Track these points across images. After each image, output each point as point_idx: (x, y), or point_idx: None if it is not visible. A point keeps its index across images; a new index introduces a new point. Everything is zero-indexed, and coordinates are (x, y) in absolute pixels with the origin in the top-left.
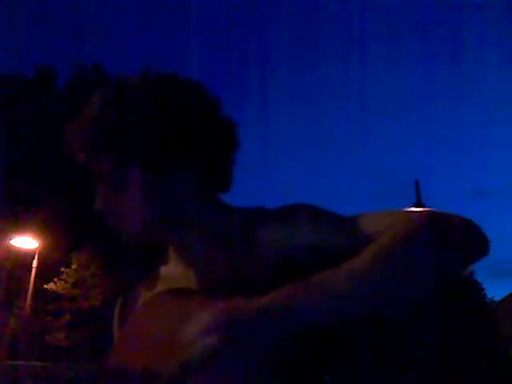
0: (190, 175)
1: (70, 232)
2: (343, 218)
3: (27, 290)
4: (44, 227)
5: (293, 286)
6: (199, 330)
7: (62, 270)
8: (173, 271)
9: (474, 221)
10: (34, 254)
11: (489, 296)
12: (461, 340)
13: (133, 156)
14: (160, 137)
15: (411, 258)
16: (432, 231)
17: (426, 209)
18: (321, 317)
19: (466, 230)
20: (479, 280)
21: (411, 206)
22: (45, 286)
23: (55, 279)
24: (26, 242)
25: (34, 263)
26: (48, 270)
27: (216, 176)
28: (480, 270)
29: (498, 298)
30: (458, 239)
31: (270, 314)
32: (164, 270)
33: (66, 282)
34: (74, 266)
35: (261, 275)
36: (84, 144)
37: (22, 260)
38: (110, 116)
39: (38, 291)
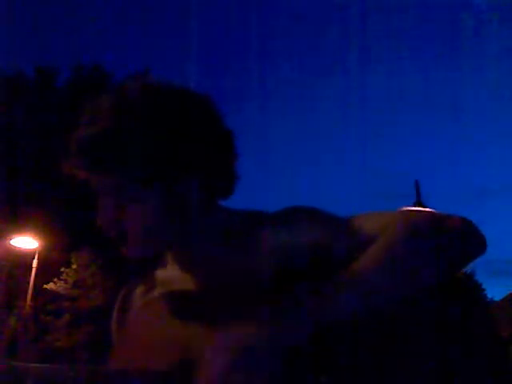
0: (192, 185)
1: (70, 232)
2: (342, 219)
3: (27, 289)
4: (44, 227)
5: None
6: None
7: (62, 270)
8: (171, 274)
9: (473, 220)
10: (34, 254)
11: (489, 296)
12: (460, 340)
13: (135, 170)
14: (162, 150)
15: (409, 259)
16: (430, 231)
17: (424, 209)
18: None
19: (464, 229)
20: (479, 280)
21: (411, 206)
22: (45, 285)
23: (55, 279)
24: (26, 242)
25: (34, 263)
26: (48, 270)
27: (218, 185)
28: (480, 270)
29: (498, 298)
30: (456, 239)
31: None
32: (162, 274)
33: (65, 282)
34: (74, 266)
35: (261, 278)
36: (85, 162)
37: (21, 260)
38: (111, 133)
39: (38, 291)
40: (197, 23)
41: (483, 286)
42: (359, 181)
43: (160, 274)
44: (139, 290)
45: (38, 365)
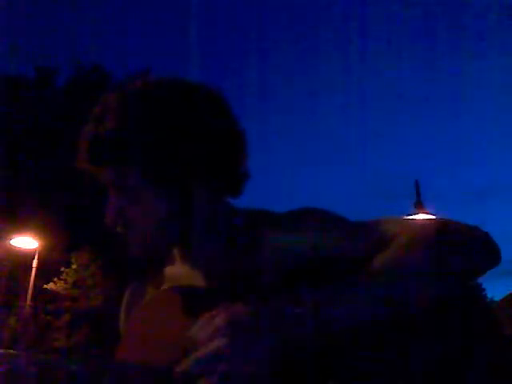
0: (196, 185)
1: (70, 232)
2: (351, 223)
3: (27, 289)
4: (44, 227)
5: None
6: (209, 333)
7: (62, 270)
8: (178, 271)
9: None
10: (34, 254)
11: (489, 296)
12: (460, 340)
13: (138, 170)
14: (164, 150)
15: (417, 269)
16: (440, 242)
17: (437, 218)
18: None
19: (480, 241)
20: (479, 280)
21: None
22: (45, 286)
23: (55, 279)
24: (26, 242)
25: (34, 263)
26: (48, 270)
27: (223, 184)
28: None
29: (498, 298)
30: (467, 250)
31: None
32: (170, 270)
33: (65, 282)
34: (73, 266)
35: (264, 277)
36: (91, 157)
37: (21, 260)
38: (115, 130)
39: (38, 291)
40: (197, 23)
41: (483, 286)
42: (359, 181)
43: (168, 270)
44: (148, 285)
45: (43, 355)
